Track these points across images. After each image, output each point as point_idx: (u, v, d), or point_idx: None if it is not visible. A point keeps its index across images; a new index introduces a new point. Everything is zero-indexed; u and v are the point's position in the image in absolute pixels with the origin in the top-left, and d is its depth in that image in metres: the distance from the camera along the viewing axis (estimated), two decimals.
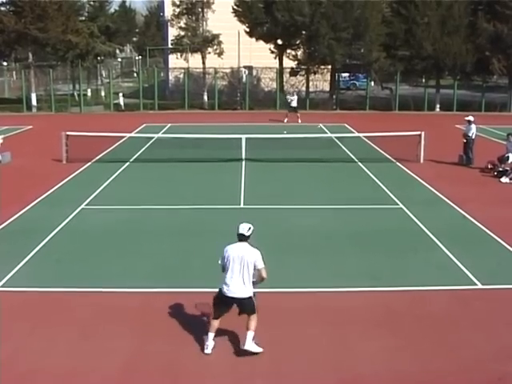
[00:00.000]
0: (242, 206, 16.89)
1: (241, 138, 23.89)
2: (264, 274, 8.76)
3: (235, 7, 44.34)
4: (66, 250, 13.26)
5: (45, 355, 8.78)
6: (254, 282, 8.82)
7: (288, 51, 44.00)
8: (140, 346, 9.09)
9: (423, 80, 46.52)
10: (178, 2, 43.18)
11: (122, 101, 43.56)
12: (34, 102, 42.75)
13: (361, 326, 9.70)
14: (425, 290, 11.17)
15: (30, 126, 33.60)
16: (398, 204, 17.05)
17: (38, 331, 9.55)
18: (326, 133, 30.30)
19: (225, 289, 8.73)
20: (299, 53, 43.24)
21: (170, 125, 33.62)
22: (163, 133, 30.28)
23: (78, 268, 12.20)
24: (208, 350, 8.85)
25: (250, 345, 8.74)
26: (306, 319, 9.96)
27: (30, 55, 43.59)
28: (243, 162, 22.63)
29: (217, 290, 8.95)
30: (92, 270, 12.12)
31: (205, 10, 43.26)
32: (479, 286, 11.36)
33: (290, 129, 30.33)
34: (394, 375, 8.33)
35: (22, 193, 18.07)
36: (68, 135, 23.13)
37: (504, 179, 20.21)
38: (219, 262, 8.88)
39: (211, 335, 8.90)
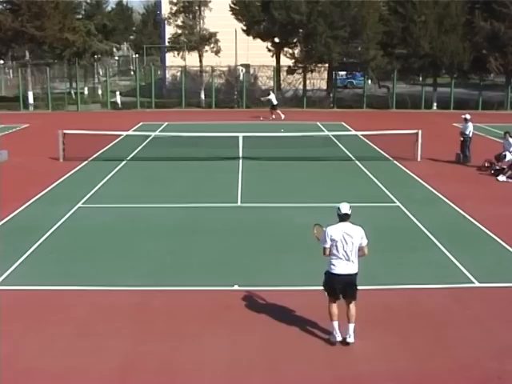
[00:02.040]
0: (239, 204, 16.88)
1: (238, 137, 23.87)
2: (366, 250, 9.01)
3: (232, 5, 44.33)
4: (63, 249, 13.24)
5: (42, 353, 8.76)
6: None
7: (285, 49, 43.97)
8: (137, 344, 9.08)
9: (420, 78, 46.56)
10: (175, 1, 43.09)
11: (118, 99, 43.51)
12: (30, 100, 42.67)
13: (358, 325, 9.67)
14: (422, 289, 11.18)
15: (27, 125, 33.54)
16: (395, 202, 17.06)
17: (35, 329, 9.53)
18: (324, 131, 30.30)
19: (333, 269, 8.87)
20: (296, 51, 43.19)
21: (166, 123, 33.58)
22: (160, 131, 30.25)
23: (75, 266, 12.19)
24: (339, 338, 8.95)
25: (352, 338, 8.93)
26: (303, 317, 9.95)
27: (27, 53, 43.49)
28: (240, 161, 22.61)
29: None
30: (89, 268, 12.11)
31: (202, 8, 43.18)
32: (476, 284, 11.37)
33: (287, 127, 30.28)
34: (392, 373, 8.33)
35: (18, 191, 18.04)
36: (65, 133, 23.10)
37: (501, 177, 20.22)
38: (323, 245, 8.91)
39: (336, 323, 8.98)
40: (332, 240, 8.80)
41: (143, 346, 9.00)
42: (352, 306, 8.99)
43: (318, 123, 33.66)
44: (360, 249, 8.92)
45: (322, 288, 9.19)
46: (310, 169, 21.72)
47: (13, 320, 9.79)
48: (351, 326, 8.96)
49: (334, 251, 8.82)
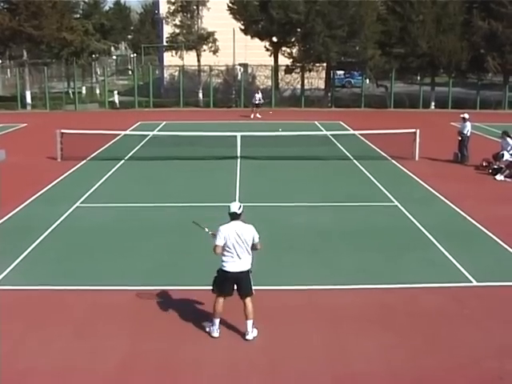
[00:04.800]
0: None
1: (236, 136, 23.88)
2: (260, 246, 9.23)
3: (230, 5, 44.34)
4: (61, 248, 13.23)
5: (41, 353, 8.76)
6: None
7: (283, 49, 43.97)
8: (136, 344, 9.08)
9: (418, 78, 46.59)
10: (172, 0, 43.09)
11: (116, 98, 43.49)
12: (28, 99, 42.64)
13: (356, 324, 9.71)
14: (420, 288, 11.19)
15: (25, 124, 33.50)
16: (393, 201, 17.07)
17: (33, 329, 9.53)
18: (322, 130, 30.31)
19: (225, 266, 8.99)
20: (294, 50, 43.20)
21: (164, 122, 33.58)
22: (158, 131, 30.20)
23: (74, 266, 12.18)
24: (216, 334, 9.15)
25: (251, 335, 9.11)
26: (302, 317, 9.97)
27: (25, 53, 43.47)
28: (238, 160, 22.61)
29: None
30: (87, 267, 12.10)
31: (200, 7, 43.17)
32: (474, 283, 11.38)
33: (285, 126, 30.28)
34: (389, 372, 8.34)
35: (16, 191, 18.02)
36: (63, 133, 23.07)
37: (499, 177, 20.26)
38: (217, 243, 9.01)
39: (217, 320, 9.17)
40: (224, 238, 8.95)
41: (142, 346, 9.00)
42: (248, 302, 9.12)
43: (316, 122, 33.68)
44: (253, 246, 9.12)
45: (211, 287, 9.30)
46: (308, 168, 21.72)
47: (11, 320, 9.78)
48: (249, 323, 9.12)
49: (226, 249, 8.97)
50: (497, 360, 8.61)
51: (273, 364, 8.53)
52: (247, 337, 9.08)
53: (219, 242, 8.97)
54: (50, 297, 10.76)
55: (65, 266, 12.17)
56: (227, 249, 8.96)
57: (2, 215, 15.48)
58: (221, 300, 9.15)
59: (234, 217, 9.10)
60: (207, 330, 9.26)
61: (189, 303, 10.37)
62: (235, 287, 9.11)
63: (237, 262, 8.95)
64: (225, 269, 9.00)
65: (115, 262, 12.45)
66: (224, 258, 9.00)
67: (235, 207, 9.13)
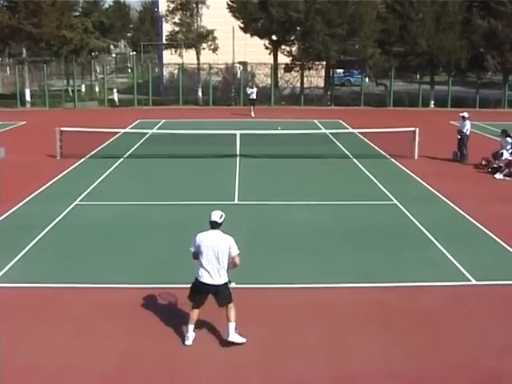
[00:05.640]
0: (236, 201, 16.87)
1: (235, 134, 23.86)
2: (238, 261, 8.85)
3: (230, 3, 44.27)
4: (60, 246, 13.22)
5: (40, 351, 8.76)
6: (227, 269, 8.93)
7: (283, 47, 43.94)
8: (135, 342, 9.08)
9: (418, 76, 46.57)
10: None
11: (116, 96, 43.45)
12: (27, 97, 42.59)
13: (355, 323, 9.71)
14: (419, 286, 11.19)
15: (24, 122, 33.47)
16: (392, 200, 17.07)
17: (32, 327, 9.52)
18: (321, 129, 30.29)
19: (200, 276, 8.83)
20: (294, 49, 43.17)
21: (164, 121, 33.55)
22: (157, 129, 30.18)
23: (73, 264, 12.17)
24: (189, 342, 8.94)
25: (233, 336, 8.87)
26: (301, 315, 9.96)
27: (24, 51, 43.44)
28: (237, 158, 22.60)
29: None
30: (86, 265, 12.09)
31: (199, 5, 43.16)
32: (473, 282, 11.38)
33: (284, 125, 30.27)
34: (389, 371, 8.34)
35: (15, 189, 17.99)
36: (62, 131, 23.07)
37: (498, 175, 20.26)
38: (191, 249, 8.94)
39: (191, 327, 8.99)
40: (198, 246, 8.80)
41: (141, 344, 9.00)
42: (230, 307, 8.91)
43: (316, 121, 33.65)
44: (231, 260, 8.81)
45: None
46: (308, 167, 21.71)
47: (10, 318, 9.78)
48: (231, 325, 8.87)
49: (201, 259, 8.78)
50: (496, 359, 8.62)
51: (272, 363, 8.53)
52: (228, 338, 8.88)
53: (192, 248, 8.91)
54: (49, 295, 10.76)
55: (64, 264, 12.16)
56: (201, 258, 8.78)
57: (1, 213, 15.46)
58: (194, 309, 9.02)
59: (214, 226, 8.85)
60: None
61: (187, 302, 10.35)
62: (210, 297, 8.93)
63: (211, 273, 8.73)
64: (198, 278, 8.87)
65: (114, 261, 12.45)
66: (200, 268, 8.83)
67: (216, 216, 8.84)
